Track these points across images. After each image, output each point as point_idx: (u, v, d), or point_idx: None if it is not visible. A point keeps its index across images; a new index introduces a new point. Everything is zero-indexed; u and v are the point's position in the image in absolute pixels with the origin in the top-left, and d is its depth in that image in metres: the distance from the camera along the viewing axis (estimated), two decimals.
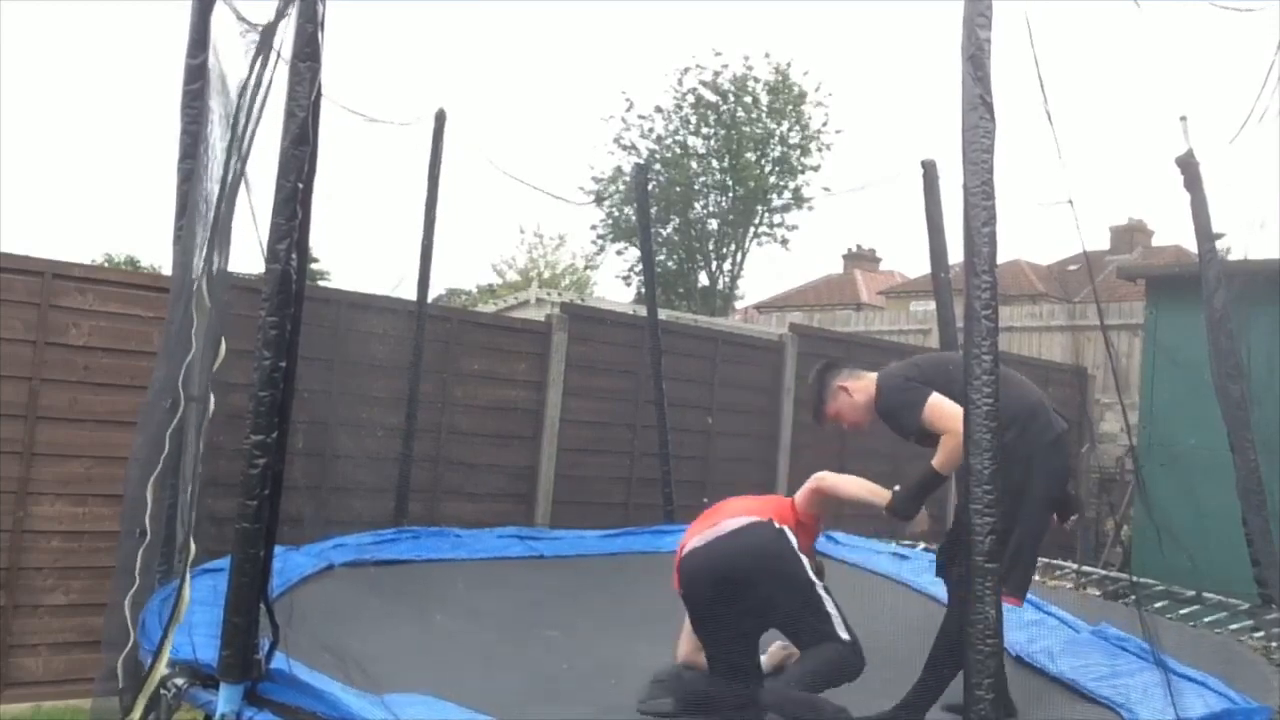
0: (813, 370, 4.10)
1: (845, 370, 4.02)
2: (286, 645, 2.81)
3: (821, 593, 3.53)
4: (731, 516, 3.70)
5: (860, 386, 3.89)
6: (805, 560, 3.59)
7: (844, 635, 3.49)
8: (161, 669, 3.00)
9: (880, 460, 8.64)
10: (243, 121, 3.15)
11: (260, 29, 3.04)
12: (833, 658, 3.43)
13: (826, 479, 3.82)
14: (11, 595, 5.02)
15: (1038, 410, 3.71)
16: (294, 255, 2.64)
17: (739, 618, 3.50)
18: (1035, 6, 2.59)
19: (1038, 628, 4.60)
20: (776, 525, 3.63)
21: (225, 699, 2.72)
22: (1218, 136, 4.55)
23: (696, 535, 3.73)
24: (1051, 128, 2.57)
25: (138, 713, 3.00)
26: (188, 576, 3.20)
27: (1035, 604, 4.88)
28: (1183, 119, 4.84)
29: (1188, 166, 4.96)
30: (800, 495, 3.85)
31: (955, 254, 5.96)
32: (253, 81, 3.10)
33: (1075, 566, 6.57)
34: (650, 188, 17.29)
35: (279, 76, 3.08)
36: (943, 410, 3.48)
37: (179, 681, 2.91)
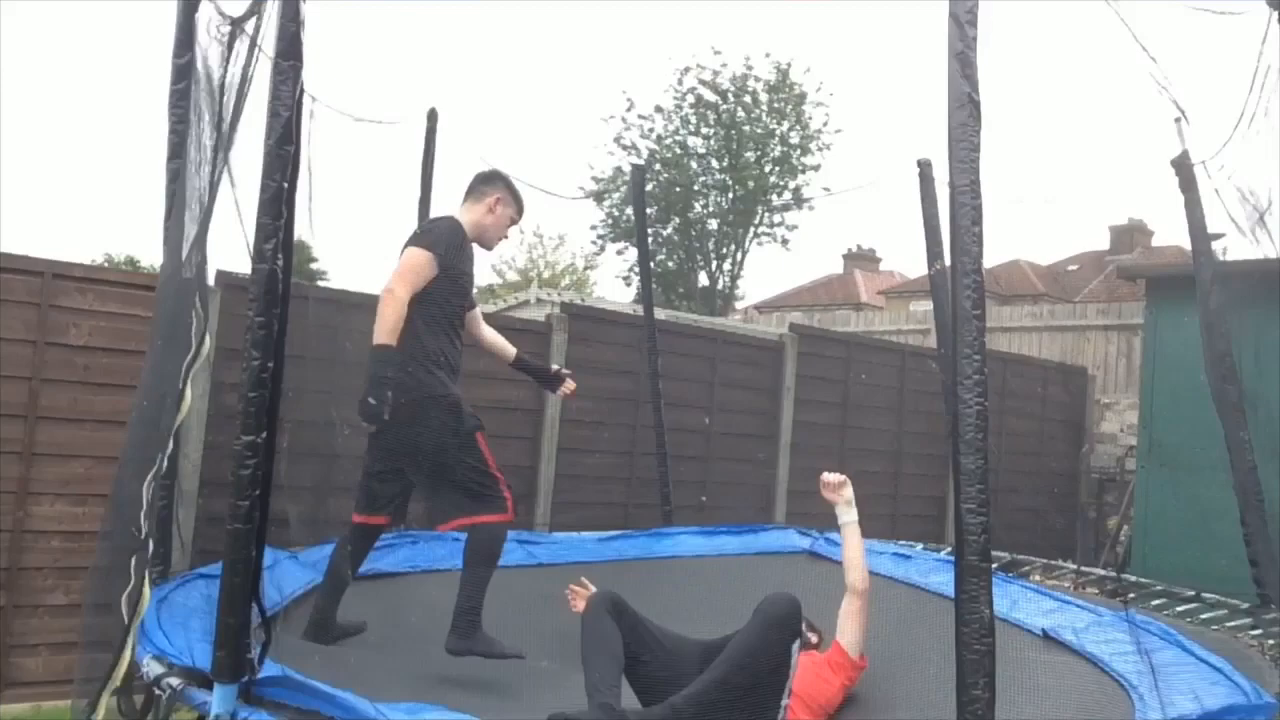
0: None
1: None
2: (279, 651, 2.82)
3: None
4: None
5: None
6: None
7: None
8: (121, 672, 3.02)
9: (880, 459, 8.72)
10: (226, 116, 3.15)
11: (233, 21, 3.04)
12: None
13: None
14: (11, 595, 5.02)
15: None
16: (280, 255, 2.63)
17: None
18: (1033, 6, 2.58)
19: (1061, 612, 4.68)
20: None
21: (220, 699, 2.73)
22: (1214, 138, 4.55)
23: None
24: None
25: (101, 711, 3.02)
26: (146, 575, 3.21)
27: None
28: (1177, 120, 4.83)
29: (1183, 168, 4.96)
30: None
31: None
32: (230, 76, 3.10)
33: (1074, 566, 6.56)
34: (649, 188, 17.24)
35: (255, 70, 3.09)
36: (409, 262, 3.53)
37: (174, 682, 2.92)
